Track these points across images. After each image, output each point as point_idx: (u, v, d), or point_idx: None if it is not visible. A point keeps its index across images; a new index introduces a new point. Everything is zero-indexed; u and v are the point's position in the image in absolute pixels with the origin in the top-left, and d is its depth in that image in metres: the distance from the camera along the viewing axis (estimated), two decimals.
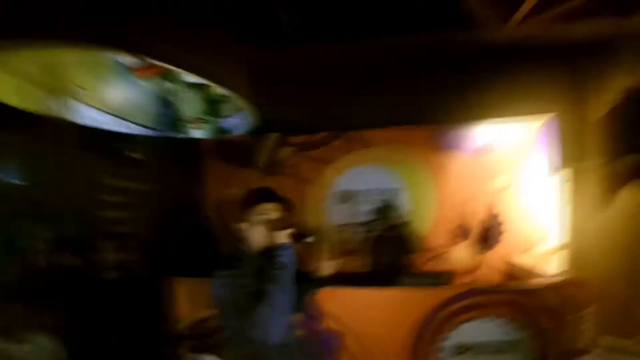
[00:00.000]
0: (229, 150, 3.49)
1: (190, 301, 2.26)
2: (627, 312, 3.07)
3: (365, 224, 3.34)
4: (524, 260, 3.18)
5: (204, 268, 2.57)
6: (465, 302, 2.09)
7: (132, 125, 1.39)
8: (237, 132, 1.39)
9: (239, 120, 1.39)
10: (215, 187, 3.50)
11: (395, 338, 2.05)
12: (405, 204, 3.38)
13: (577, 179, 3.62)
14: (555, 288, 2.13)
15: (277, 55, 3.13)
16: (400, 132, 3.39)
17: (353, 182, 3.41)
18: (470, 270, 3.31)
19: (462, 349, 2.10)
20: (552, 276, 2.37)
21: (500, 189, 3.33)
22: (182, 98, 1.39)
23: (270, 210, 1.38)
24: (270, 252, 1.31)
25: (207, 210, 3.51)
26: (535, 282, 2.17)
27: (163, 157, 3.61)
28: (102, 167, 2.99)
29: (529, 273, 2.65)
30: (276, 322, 1.22)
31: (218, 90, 1.36)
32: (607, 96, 3.19)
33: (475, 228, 3.33)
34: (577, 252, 3.59)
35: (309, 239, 1.35)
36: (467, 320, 2.11)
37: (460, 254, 3.33)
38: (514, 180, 3.33)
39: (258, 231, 1.36)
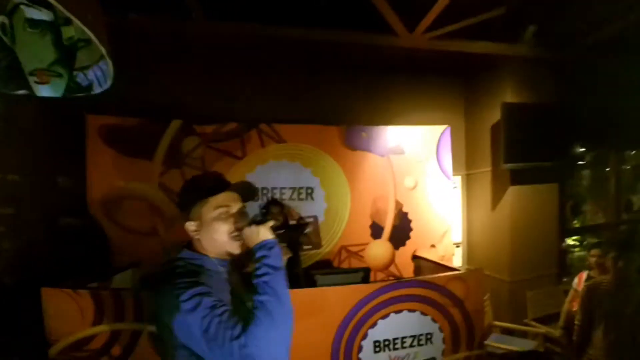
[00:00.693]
0: (119, 136, 2.95)
1: (66, 319, 1.77)
2: (513, 298, 3.44)
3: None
4: (431, 254, 3.34)
5: (87, 276, 2.11)
6: (382, 298, 2.03)
7: None
8: (97, 90, 1.05)
9: (97, 73, 1.05)
10: (103, 179, 2.92)
11: (317, 341, 1.90)
12: (321, 201, 3.27)
13: (469, 183, 4.02)
14: (461, 280, 2.20)
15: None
16: (314, 130, 3.32)
17: (268, 178, 3.18)
18: (385, 266, 3.36)
19: (381, 345, 2.05)
20: (457, 269, 2.46)
21: (408, 189, 3.46)
22: (22, 40, 1.00)
23: (231, 202, 1.10)
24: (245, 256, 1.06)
25: (92, 207, 2.91)
26: (443, 275, 2.21)
27: (32, 140, 2.93)
28: None
29: (436, 266, 2.75)
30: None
31: (71, 31, 1.00)
32: (491, 111, 3.59)
33: (388, 225, 3.39)
34: (472, 246, 3.97)
35: (308, 229, 1.07)
36: (385, 317, 2.05)
37: (375, 251, 3.36)
38: (420, 181, 3.50)
39: (220, 230, 1.06)
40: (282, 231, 1.19)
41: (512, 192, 3.47)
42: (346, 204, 3.36)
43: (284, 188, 3.20)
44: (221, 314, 0.91)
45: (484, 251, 3.78)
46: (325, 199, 3.31)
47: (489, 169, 3.69)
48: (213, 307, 0.92)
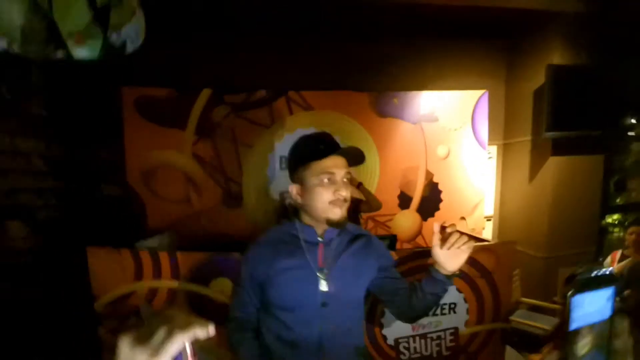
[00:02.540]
0: (153, 107, 3.05)
1: (109, 276, 1.93)
2: (544, 276, 3.33)
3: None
4: (461, 226, 3.28)
5: (126, 240, 2.27)
6: (408, 266, 2.04)
7: None
8: (130, 49, 1.07)
9: (130, 32, 1.06)
10: (138, 149, 3.06)
11: None
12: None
13: (507, 153, 3.83)
14: (490, 251, 2.15)
15: None
16: (343, 96, 3.24)
17: None
18: (412, 237, 3.34)
19: None
20: (485, 240, 2.40)
21: (440, 158, 3.36)
22: (59, 3, 1.03)
23: (335, 168, 1.03)
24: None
25: (129, 176, 3.07)
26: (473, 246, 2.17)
27: (73, 112, 3.10)
28: None
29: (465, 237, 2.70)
30: None
31: None
32: (535, 75, 3.33)
33: (417, 196, 3.33)
34: (505, 220, 3.84)
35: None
36: None
37: (403, 221, 3.33)
38: (452, 150, 3.37)
39: (321, 198, 1.02)
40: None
41: (553, 163, 3.26)
42: (374, 173, 3.31)
43: None
44: (236, 294, 1.06)
45: (517, 225, 3.64)
46: (354, 167, 3.28)
47: (528, 137, 3.48)
48: (237, 284, 1.05)
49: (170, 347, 0.47)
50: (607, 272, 0.74)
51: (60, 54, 1.06)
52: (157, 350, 0.47)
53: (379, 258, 1.16)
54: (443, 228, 1.07)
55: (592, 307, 0.73)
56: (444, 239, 1.04)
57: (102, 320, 1.96)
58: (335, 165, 1.04)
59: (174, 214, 3.08)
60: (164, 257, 1.93)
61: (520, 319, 2.92)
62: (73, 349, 2.15)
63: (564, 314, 0.68)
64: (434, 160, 3.35)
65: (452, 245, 1.02)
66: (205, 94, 3.09)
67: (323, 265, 1.07)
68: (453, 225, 1.07)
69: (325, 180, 1.03)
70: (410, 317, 1.20)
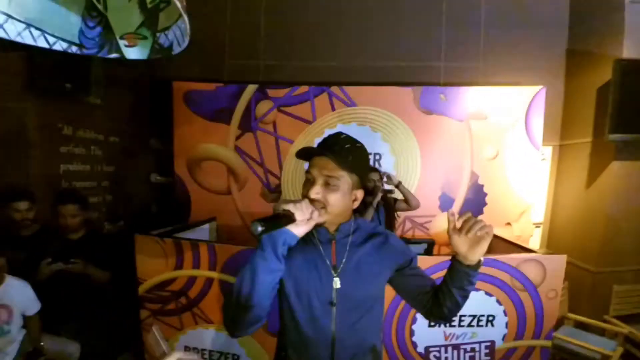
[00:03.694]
0: (201, 101, 3.17)
1: (153, 262, 2.06)
2: (593, 291, 3.07)
3: None
4: (505, 232, 3.10)
5: (172, 228, 2.40)
6: (442, 273, 1.96)
7: (51, 40, 1.09)
8: (177, 50, 1.10)
9: (176, 33, 1.10)
10: (187, 141, 3.20)
11: None
12: (389, 169, 3.18)
13: (562, 155, 3.54)
14: (538, 264, 2.01)
15: None
16: (386, 92, 3.15)
17: None
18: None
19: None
20: (534, 251, 2.25)
21: (488, 159, 3.18)
22: (113, 6, 1.09)
23: (315, 169, 1.03)
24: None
25: (177, 167, 3.24)
26: (518, 256, 2.04)
27: (128, 106, 3.31)
28: (60, 114, 2.68)
29: (509, 246, 2.55)
30: None
31: None
32: (601, 70, 3.03)
33: (460, 198, 3.19)
34: (556, 228, 3.57)
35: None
36: None
37: (443, 223, 3.21)
38: (502, 151, 3.18)
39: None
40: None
41: (615, 169, 2.96)
42: (415, 172, 3.22)
43: None
44: None
45: (568, 235, 3.37)
46: (394, 166, 3.21)
47: (589, 139, 3.19)
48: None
49: None
50: None
51: (113, 55, 1.12)
52: None
53: (396, 257, 1.11)
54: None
55: None
56: (459, 226, 0.96)
57: (144, 303, 2.10)
58: (316, 165, 1.01)
59: (216, 205, 3.21)
60: (203, 248, 2.02)
61: (565, 336, 2.71)
62: (116, 328, 2.33)
63: None
64: (480, 160, 3.18)
65: (469, 230, 0.94)
66: (251, 89, 3.15)
67: (337, 262, 1.06)
68: (467, 212, 0.98)
69: (305, 179, 1.03)
70: (440, 316, 1.11)
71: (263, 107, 3.17)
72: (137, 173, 3.39)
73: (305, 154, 1.06)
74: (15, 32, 1.06)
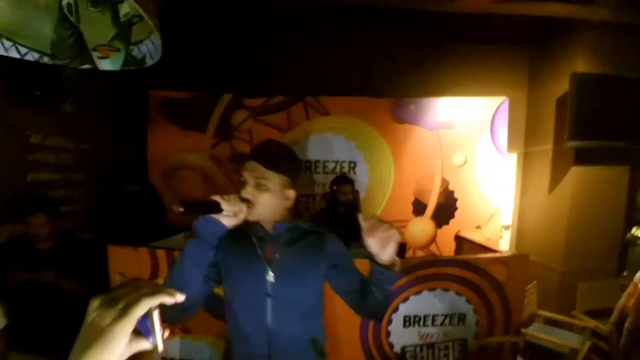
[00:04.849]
0: (177, 109, 3.16)
1: (129, 272, 2.03)
2: (561, 289, 3.23)
3: (323, 196, 3.22)
4: (476, 235, 3.23)
5: (146, 238, 2.37)
6: (417, 274, 2.04)
7: (23, 50, 1.10)
8: (149, 62, 1.14)
9: (149, 47, 1.13)
10: (161, 149, 3.18)
11: (346, 309, 1.96)
12: (363, 176, 3.26)
13: (526, 162, 3.75)
14: (503, 263, 2.12)
15: None
16: (360, 102, 3.25)
17: (311, 151, 3.24)
18: (426, 244, 3.32)
19: (411, 321, 2.08)
20: (501, 252, 2.36)
21: (457, 166, 3.32)
22: (86, 19, 1.11)
23: (245, 172, 1.11)
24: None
25: (151, 175, 3.20)
26: (485, 257, 2.15)
27: (101, 114, 3.26)
28: (28, 122, 2.61)
29: (479, 248, 2.66)
30: None
31: (127, 8, 1.10)
32: (558, 83, 3.25)
33: (432, 203, 3.31)
34: (523, 231, 3.75)
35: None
36: (417, 293, 2.07)
37: (417, 228, 3.32)
38: (470, 159, 3.32)
39: None
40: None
41: (575, 174, 3.17)
42: (389, 179, 3.32)
43: (326, 161, 3.24)
44: None
45: (535, 237, 3.56)
46: (368, 173, 3.30)
47: (550, 146, 3.40)
48: None
49: (136, 310, 0.50)
50: None
51: (86, 65, 1.14)
52: (123, 312, 0.49)
53: (330, 255, 1.19)
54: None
55: None
56: (368, 228, 1.04)
57: None
58: (247, 169, 1.10)
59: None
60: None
61: (536, 332, 2.84)
62: None
63: None
64: (450, 167, 3.32)
65: (373, 231, 1.03)
66: (226, 98, 3.18)
67: (271, 257, 1.13)
68: (375, 216, 1.07)
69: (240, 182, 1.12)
70: (367, 313, 1.21)
71: (239, 115, 3.20)
72: (110, 182, 3.32)
73: (238, 159, 1.15)
74: None
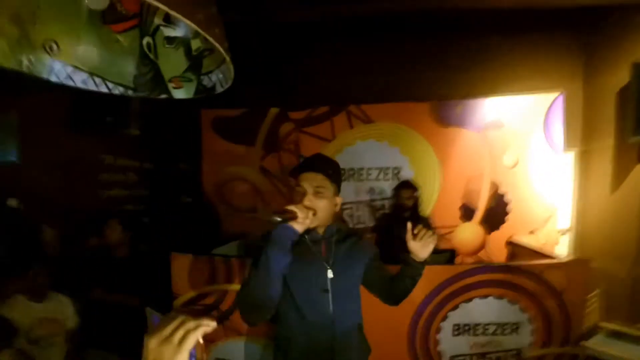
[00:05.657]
0: (227, 125, 3.39)
1: (188, 278, 2.22)
2: (631, 297, 2.98)
3: (379, 202, 3.27)
4: (530, 240, 3.10)
5: (203, 246, 2.57)
6: (466, 282, 2.02)
7: (111, 85, 1.29)
8: (219, 89, 1.28)
9: (219, 76, 1.28)
10: (214, 164, 3.42)
11: (395, 317, 2.00)
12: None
13: (585, 160, 3.51)
14: (561, 270, 2.03)
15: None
16: (403, 107, 3.26)
17: (355, 159, 3.30)
18: (475, 250, 3.23)
19: (461, 329, 2.05)
20: (558, 258, 2.26)
21: (507, 168, 3.21)
22: (161, 54, 1.29)
23: (304, 181, 1.25)
24: None
25: (206, 188, 3.45)
26: (540, 263, 2.07)
27: (160, 132, 3.58)
28: (99, 146, 2.96)
29: (534, 254, 2.56)
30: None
31: (198, 43, 1.25)
32: (618, 73, 3.04)
33: (481, 208, 3.23)
34: (584, 234, 3.51)
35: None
36: (468, 300, 2.04)
37: (465, 234, 3.25)
38: (522, 159, 3.19)
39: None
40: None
41: None
42: (435, 184, 3.28)
43: (370, 169, 3.28)
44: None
45: (597, 240, 3.30)
46: (414, 179, 3.27)
47: (611, 142, 3.17)
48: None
49: (187, 344, 0.61)
50: None
51: (163, 95, 1.31)
52: (178, 347, 0.61)
53: (367, 252, 1.40)
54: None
55: None
56: (414, 234, 1.27)
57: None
58: (306, 179, 1.25)
59: (245, 223, 3.38)
60: (235, 264, 2.16)
61: (597, 345, 2.65)
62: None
63: None
64: (500, 169, 3.21)
65: (420, 238, 1.26)
66: (273, 112, 3.35)
67: (327, 257, 1.31)
68: (419, 226, 1.31)
69: (295, 192, 1.27)
70: (394, 299, 1.41)
71: (285, 128, 3.36)
72: (169, 195, 3.62)
73: (295, 172, 1.31)
74: (80, 80, 1.27)
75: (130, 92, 1.30)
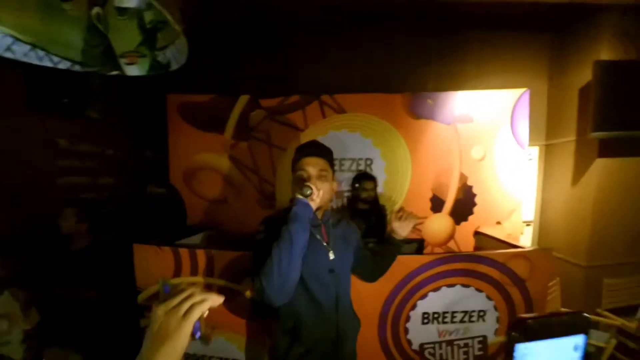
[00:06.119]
0: (195, 112, 3.24)
1: (151, 271, 2.11)
2: (586, 285, 3.14)
3: (343, 193, 3.25)
4: (496, 231, 3.18)
5: (170, 235, 2.45)
6: (434, 271, 2.04)
7: (56, 59, 1.17)
8: (174, 66, 1.18)
9: (174, 52, 1.18)
10: (181, 152, 3.27)
11: (365, 307, 1.98)
12: (380, 173, 3.26)
13: (549, 155, 3.65)
14: (524, 258, 2.09)
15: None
16: (376, 98, 3.23)
17: None
18: (444, 241, 3.29)
19: (430, 318, 2.07)
20: (522, 247, 2.32)
21: (475, 161, 3.27)
22: (113, 27, 1.18)
23: (307, 166, 1.33)
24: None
25: (172, 177, 3.30)
26: (505, 252, 2.12)
27: (124, 117, 3.38)
28: (55, 129, 2.74)
29: (499, 244, 2.63)
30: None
31: (152, 15, 1.15)
32: (581, 71, 3.15)
33: (450, 199, 3.28)
34: (546, 226, 3.66)
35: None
36: (436, 289, 2.06)
37: (435, 225, 3.29)
38: (489, 152, 3.26)
39: (295, 189, 1.33)
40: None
41: (599, 166, 3.07)
42: (406, 175, 3.29)
43: (343, 159, 3.25)
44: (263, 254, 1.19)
45: (558, 231, 3.47)
46: (385, 170, 3.29)
47: (573, 138, 3.31)
48: (263, 247, 1.20)
49: (193, 316, 0.64)
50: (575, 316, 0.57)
51: (114, 72, 1.20)
52: (185, 315, 0.64)
53: (356, 234, 1.53)
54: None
55: (548, 357, 0.58)
56: (399, 216, 1.50)
57: (143, 312, 2.14)
58: (309, 164, 1.33)
59: (212, 213, 3.27)
60: (201, 255, 2.07)
61: None
62: (117, 337, 2.37)
63: None
64: (469, 162, 3.27)
65: (402, 217, 1.49)
66: (243, 99, 3.23)
67: (328, 240, 1.39)
68: (402, 208, 1.54)
69: (298, 177, 1.35)
70: (375, 278, 1.59)
71: (256, 116, 3.26)
72: (134, 184, 3.45)
73: (297, 156, 1.36)
74: (21, 52, 1.14)
75: (77, 67, 1.18)
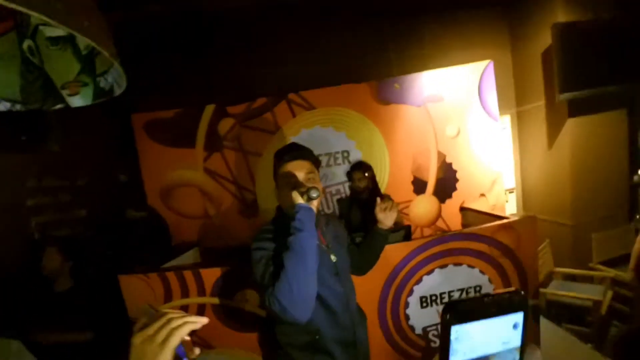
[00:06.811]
0: (162, 128, 3.14)
1: (141, 299, 2.04)
2: (574, 242, 3.23)
3: (334, 187, 3.22)
4: (481, 204, 3.22)
5: (156, 259, 2.37)
6: (425, 255, 2.04)
7: None
8: (117, 92, 1.12)
9: (115, 75, 1.11)
10: (154, 171, 3.17)
11: (362, 300, 1.96)
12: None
13: (521, 122, 3.71)
14: (511, 229, 2.11)
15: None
16: (343, 90, 3.20)
17: None
18: (432, 221, 3.31)
19: (428, 301, 2.08)
20: (509, 217, 2.35)
21: (451, 138, 3.29)
22: (48, 58, 1.09)
23: (296, 169, 1.26)
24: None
25: (150, 197, 3.20)
26: (490, 225, 2.13)
27: (88, 145, 3.25)
28: (19, 169, 2.61)
29: (486, 216, 2.65)
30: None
31: (86, 41, 1.08)
32: (541, 37, 3.20)
33: (432, 179, 3.29)
34: (528, 191, 3.73)
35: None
36: (429, 272, 2.07)
37: (421, 206, 3.30)
38: (462, 128, 3.28)
39: (283, 194, 1.27)
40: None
41: (571, 125, 3.13)
42: (385, 162, 3.28)
43: (319, 155, 3.21)
44: (270, 270, 1.13)
45: (541, 195, 3.53)
46: (363, 160, 3.27)
47: (542, 102, 3.36)
48: (267, 263, 1.15)
49: (172, 343, 0.61)
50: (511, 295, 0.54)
51: (58, 105, 1.12)
52: (162, 345, 0.60)
53: (344, 232, 1.51)
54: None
55: (486, 337, 0.55)
56: (384, 207, 1.47)
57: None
58: (295, 168, 1.27)
59: (196, 230, 3.19)
60: (188, 276, 2.01)
61: (555, 290, 2.83)
62: None
63: (442, 348, 0.55)
64: (444, 140, 3.28)
65: (385, 208, 1.47)
66: (209, 109, 3.15)
67: (325, 242, 1.36)
68: (387, 197, 1.52)
69: (287, 180, 1.28)
70: (366, 270, 1.58)
71: (225, 124, 3.18)
72: (111, 212, 3.33)
73: (280, 161, 1.29)
74: None
75: (19, 107, 1.10)
